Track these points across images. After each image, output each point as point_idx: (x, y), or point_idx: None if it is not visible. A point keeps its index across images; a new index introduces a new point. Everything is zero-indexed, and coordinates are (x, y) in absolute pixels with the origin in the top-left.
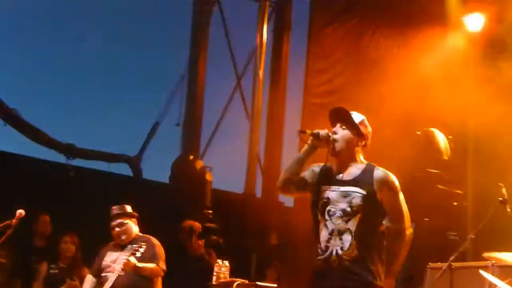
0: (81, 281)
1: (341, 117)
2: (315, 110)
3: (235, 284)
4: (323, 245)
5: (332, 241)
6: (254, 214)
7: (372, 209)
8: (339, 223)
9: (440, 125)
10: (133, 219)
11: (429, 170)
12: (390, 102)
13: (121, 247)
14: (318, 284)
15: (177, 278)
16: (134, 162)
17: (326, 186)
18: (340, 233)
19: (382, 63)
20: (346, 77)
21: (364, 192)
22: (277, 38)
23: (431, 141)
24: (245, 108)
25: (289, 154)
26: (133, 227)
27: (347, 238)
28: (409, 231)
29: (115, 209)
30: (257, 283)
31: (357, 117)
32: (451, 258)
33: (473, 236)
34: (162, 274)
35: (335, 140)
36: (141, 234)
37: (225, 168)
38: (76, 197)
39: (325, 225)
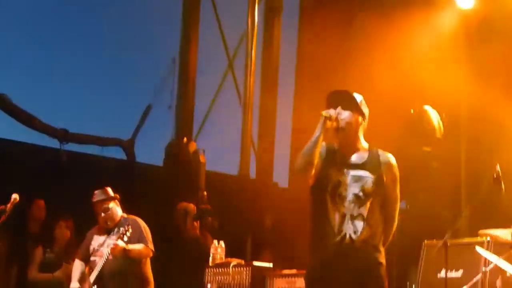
0: None
1: (344, 99)
2: (307, 91)
3: (231, 265)
4: (336, 228)
5: (345, 225)
6: (248, 196)
7: (380, 194)
8: (352, 208)
9: (433, 103)
10: (115, 201)
11: (422, 147)
12: (382, 82)
13: (107, 231)
14: (329, 268)
15: (173, 260)
16: (127, 146)
17: (336, 169)
18: (353, 217)
19: (373, 44)
20: (336, 60)
21: (374, 177)
22: (268, 21)
23: (424, 119)
24: (237, 90)
25: (283, 134)
26: (117, 210)
27: (360, 223)
28: (397, 218)
29: (97, 195)
30: (253, 263)
31: (357, 97)
32: (446, 235)
33: (467, 213)
34: (151, 254)
35: (343, 121)
36: (126, 216)
37: (219, 150)
38: (69, 181)
39: (337, 209)
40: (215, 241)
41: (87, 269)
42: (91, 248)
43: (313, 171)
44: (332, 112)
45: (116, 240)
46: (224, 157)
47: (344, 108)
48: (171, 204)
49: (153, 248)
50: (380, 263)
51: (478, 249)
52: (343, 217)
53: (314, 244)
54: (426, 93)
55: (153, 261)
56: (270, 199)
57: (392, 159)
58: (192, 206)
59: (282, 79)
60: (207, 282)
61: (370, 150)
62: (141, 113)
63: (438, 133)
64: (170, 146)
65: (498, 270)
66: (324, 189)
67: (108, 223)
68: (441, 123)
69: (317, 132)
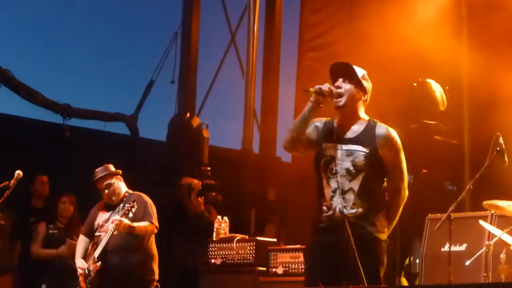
0: None
1: (345, 71)
2: (309, 64)
3: (235, 240)
4: (328, 202)
5: (335, 199)
6: (252, 170)
7: (375, 168)
8: (343, 182)
9: (436, 76)
10: (118, 176)
11: (425, 121)
12: (385, 54)
13: (112, 207)
14: (322, 238)
15: (177, 235)
16: (131, 121)
17: (329, 144)
18: (344, 192)
19: (375, 17)
20: (340, 31)
21: (367, 151)
22: None
23: (427, 92)
24: (240, 63)
25: (285, 109)
26: (121, 185)
27: (350, 197)
28: (406, 190)
29: (98, 172)
30: (257, 238)
31: (359, 71)
32: (450, 209)
33: (471, 187)
34: (155, 231)
35: (339, 94)
36: (130, 192)
37: (222, 124)
38: (73, 157)
39: (328, 183)
40: (219, 216)
41: (91, 244)
42: (96, 224)
43: (307, 143)
44: (325, 87)
45: (121, 216)
46: (227, 131)
47: (345, 81)
48: (175, 179)
49: (157, 225)
50: (376, 238)
51: (482, 222)
52: (334, 191)
53: (313, 222)
54: (429, 66)
55: (158, 236)
56: (273, 173)
57: (391, 131)
58: (196, 182)
59: (285, 52)
60: (211, 257)
61: (367, 123)
62: (143, 88)
63: (441, 106)
64: (173, 121)
65: (502, 243)
66: (318, 164)
67: (113, 198)
68: (444, 96)
69: (305, 108)
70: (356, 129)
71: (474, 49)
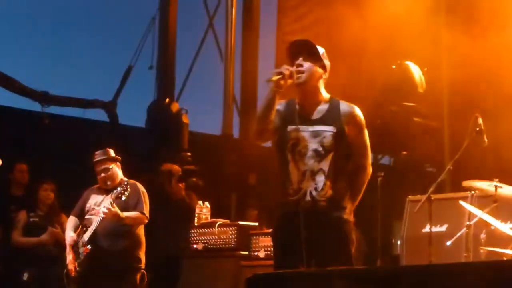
0: (61, 228)
1: (305, 49)
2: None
3: (216, 225)
4: (295, 186)
5: (305, 182)
6: (232, 155)
7: (342, 147)
8: (311, 164)
9: (414, 58)
10: (117, 163)
11: (404, 103)
12: (363, 37)
13: (106, 191)
14: (290, 225)
15: (159, 222)
16: (110, 108)
17: (294, 126)
18: (313, 173)
19: None
20: (318, 14)
21: (334, 130)
22: None
23: (405, 74)
24: (218, 48)
25: (265, 93)
26: (118, 172)
27: (321, 179)
28: (370, 167)
29: (98, 154)
30: (239, 222)
31: (319, 49)
32: (430, 190)
33: (450, 167)
34: (145, 221)
35: (300, 72)
36: (126, 179)
37: (202, 110)
38: (52, 144)
39: (296, 166)
40: (200, 201)
41: (80, 227)
42: (87, 206)
43: (273, 129)
44: (283, 69)
45: (114, 199)
46: (207, 117)
47: (305, 60)
48: (155, 166)
49: (148, 215)
50: (344, 220)
51: (462, 203)
52: (303, 174)
53: (278, 202)
54: (407, 48)
55: None
56: (254, 158)
57: (354, 109)
58: (176, 168)
59: (263, 36)
60: (193, 242)
61: (330, 102)
62: (122, 74)
63: (420, 88)
64: (152, 106)
65: (482, 224)
66: (284, 147)
67: (108, 183)
68: (423, 77)
69: (267, 96)
70: (320, 108)
71: (452, 30)
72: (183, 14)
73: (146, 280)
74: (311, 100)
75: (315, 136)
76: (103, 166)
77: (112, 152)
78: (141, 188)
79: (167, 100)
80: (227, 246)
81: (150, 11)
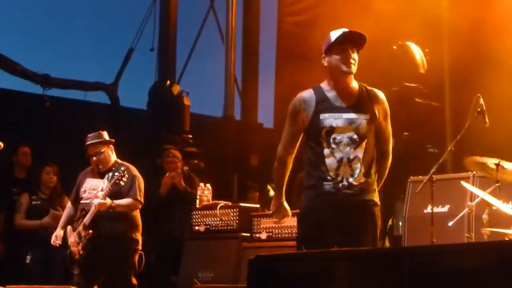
0: (64, 210)
1: (358, 42)
2: (289, 29)
3: (218, 207)
4: (331, 173)
5: (342, 169)
6: (233, 137)
7: (373, 133)
8: (348, 151)
9: (416, 38)
10: (110, 146)
11: (406, 84)
12: (364, 18)
13: (100, 174)
14: (326, 207)
15: (161, 205)
16: (111, 90)
17: (327, 114)
18: (350, 160)
19: None
20: None
21: (368, 117)
22: None
23: (407, 54)
24: (219, 29)
25: (266, 74)
26: (111, 155)
27: (357, 166)
28: (391, 153)
29: (90, 138)
30: (240, 204)
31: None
32: (431, 171)
33: (452, 148)
34: (139, 206)
35: (353, 63)
36: (120, 162)
37: (203, 91)
38: (53, 127)
39: (332, 153)
40: (202, 183)
41: (79, 210)
42: (82, 190)
43: (305, 117)
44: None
45: (111, 185)
46: (208, 98)
47: (356, 51)
48: (156, 148)
49: (142, 200)
50: (376, 204)
51: (464, 183)
52: (339, 161)
53: (310, 188)
54: (409, 28)
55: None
56: (255, 139)
57: (382, 95)
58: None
59: (264, 18)
60: (195, 224)
61: (360, 88)
62: (123, 57)
63: (422, 68)
64: (154, 89)
65: (484, 204)
66: (319, 135)
67: (100, 167)
68: (424, 58)
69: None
70: (352, 96)
71: (454, 10)
72: None
73: (144, 260)
74: (346, 88)
75: (350, 123)
76: (96, 150)
77: (105, 135)
78: (135, 172)
79: (168, 82)
80: (228, 228)
81: None
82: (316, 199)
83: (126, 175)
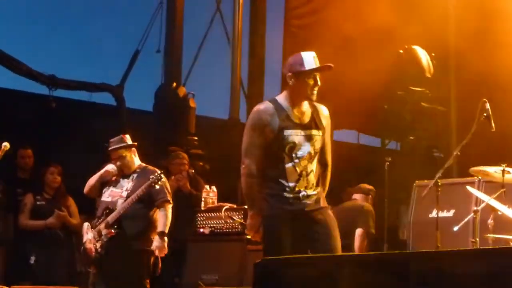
0: (68, 211)
1: (325, 72)
2: (295, 32)
3: (223, 209)
4: (292, 184)
5: (301, 181)
6: (239, 139)
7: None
8: (305, 165)
9: (422, 42)
10: (132, 149)
11: (412, 88)
12: (372, 21)
13: (124, 176)
14: (288, 209)
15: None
16: (117, 91)
17: (291, 131)
18: (307, 173)
19: None
20: None
21: (321, 133)
22: None
23: (413, 58)
24: (225, 32)
25: (272, 77)
26: (134, 159)
27: (312, 178)
28: None
29: (113, 142)
30: (245, 206)
31: None
32: (437, 175)
33: (458, 153)
34: (170, 207)
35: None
36: (144, 165)
37: (209, 94)
38: (59, 128)
39: (294, 167)
40: (207, 186)
41: (102, 209)
42: (106, 186)
43: (269, 132)
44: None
45: (146, 187)
46: (214, 101)
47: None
48: (162, 150)
49: (171, 201)
50: (327, 207)
51: (469, 188)
52: (300, 175)
53: (274, 196)
54: (416, 31)
55: None
56: None
57: (326, 110)
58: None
59: (270, 20)
60: (200, 226)
61: (311, 106)
62: (129, 58)
63: (428, 72)
64: (160, 90)
65: (489, 209)
66: (282, 150)
67: (124, 171)
68: (430, 62)
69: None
70: (307, 113)
71: (461, 14)
72: None
73: (160, 263)
74: (302, 106)
75: (309, 139)
76: (118, 154)
77: (127, 139)
78: (162, 175)
79: (174, 84)
80: (233, 230)
81: None
82: (279, 207)
83: (162, 180)
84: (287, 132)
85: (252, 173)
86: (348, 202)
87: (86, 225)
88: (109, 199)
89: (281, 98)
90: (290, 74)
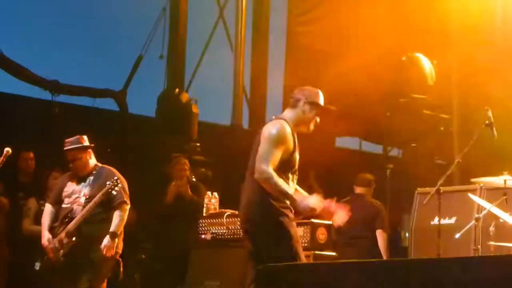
0: None
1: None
2: (298, 39)
3: (225, 215)
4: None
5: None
6: (241, 146)
7: None
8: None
9: (424, 50)
10: (88, 151)
11: (414, 95)
12: (374, 28)
13: (82, 178)
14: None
15: (168, 214)
16: (120, 97)
17: (297, 154)
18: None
19: None
20: (328, 6)
21: None
22: None
23: (416, 66)
24: (228, 38)
25: (274, 83)
26: (89, 160)
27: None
28: None
29: (68, 143)
30: None
31: None
32: (439, 182)
33: (460, 160)
34: (128, 208)
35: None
36: (100, 165)
37: (211, 100)
38: (61, 133)
39: (293, 184)
40: (209, 192)
41: (61, 216)
42: (64, 193)
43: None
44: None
45: (102, 195)
46: (216, 107)
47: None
48: (164, 156)
49: (128, 201)
50: None
51: (471, 196)
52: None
53: (286, 208)
54: (418, 39)
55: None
56: None
57: None
58: (181, 168)
59: (273, 27)
60: (201, 233)
61: None
62: (132, 64)
63: (430, 80)
64: (162, 96)
65: (491, 217)
66: (291, 168)
67: (78, 172)
68: (432, 70)
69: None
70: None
71: (463, 22)
72: (194, 4)
73: (121, 268)
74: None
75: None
76: (74, 156)
77: (84, 140)
78: (117, 174)
79: (177, 90)
80: (235, 236)
81: (161, 1)
82: (290, 216)
83: (119, 185)
84: (296, 155)
85: (275, 175)
86: (363, 199)
87: (47, 234)
88: (68, 206)
89: (291, 121)
90: (305, 100)
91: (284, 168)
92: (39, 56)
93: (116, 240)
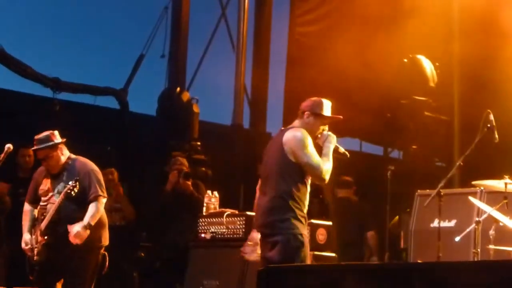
0: None
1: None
2: (300, 39)
3: (225, 215)
4: (305, 209)
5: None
6: (242, 145)
7: None
8: None
9: (426, 52)
10: (59, 146)
11: (415, 97)
12: (375, 30)
13: (54, 175)
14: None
15: (167, 212)
16: (121, 95)
17: None
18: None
19: None
20: (330, 6)
21: None
22: None
23: (417, 68)
24: (230, 38)
25: (276, 83)
26: (61, 157)
27: None
28: None
29: (37, 142)
30: (247, 213)
31: None
32: (439, 185)
33: (461, 163)
34: (104, 201)
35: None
36: (73, 157)
37: (213, 99)
38: (62, 130)
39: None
40: (209, 191)
41: (38, 214)
42: (40, 191)
43: None
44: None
45: (64, 198)
46: (217, 106)
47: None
48: (164, 154)
49: (105, 194)
50: None
51: (472, 199)
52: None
53: (303, 217)
54: (420, 41)
55: (150, 212)
56: (263, 149)
57: None
58: (181, 166)
59: (275, 27)
60: (201, 232)
61: None
62: (134, 63)
63: (432, 82)
64: (163, 95)
65: (491, 220)
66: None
67: (50, 170)
68: (434, 72)
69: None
70: None
71: (465, 24)
72: (196, 3)
73: (107, 262)
74: None
75: None
76: (44, 154)
77: (55, 136)
78: (91, 166)
79: (178, 89)
80: (235, 236)
81: (162, 0)
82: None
83: (77, 186)
84: None
85: (323, 167)
86: (352, 201)
87: (25, 235)
88: (44, 204)
89: None
90: (309, 112)
91: (304, 175)
92: (40, 54)
93: (88, 230)
